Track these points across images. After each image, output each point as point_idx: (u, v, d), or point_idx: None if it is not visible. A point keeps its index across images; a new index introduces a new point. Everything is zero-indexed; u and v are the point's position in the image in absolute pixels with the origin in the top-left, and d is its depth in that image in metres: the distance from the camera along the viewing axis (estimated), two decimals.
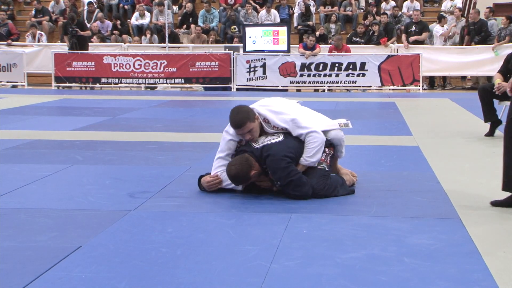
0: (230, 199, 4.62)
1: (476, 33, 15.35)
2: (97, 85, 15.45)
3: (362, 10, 18.21)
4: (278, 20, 17.26)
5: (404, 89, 14.76)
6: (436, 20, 16.33)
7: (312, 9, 18.03)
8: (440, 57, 15.24)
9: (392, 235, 3.73)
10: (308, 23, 17.57)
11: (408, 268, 3.20)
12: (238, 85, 14.95)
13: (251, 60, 14.90)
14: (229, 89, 15.01)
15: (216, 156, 4.82)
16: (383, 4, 17.90)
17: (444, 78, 16.14)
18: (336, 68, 14.72)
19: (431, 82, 16.03)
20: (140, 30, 17.87)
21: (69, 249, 3.47)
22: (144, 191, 4.83)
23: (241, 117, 4.60)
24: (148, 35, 17.07)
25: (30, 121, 9.26)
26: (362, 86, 14.91)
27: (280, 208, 4.35)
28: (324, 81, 14.86)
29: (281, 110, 4.74)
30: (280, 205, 4.41)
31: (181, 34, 17.51)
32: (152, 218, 4.12)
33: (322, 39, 16.21)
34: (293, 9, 18.36)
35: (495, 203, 4.35)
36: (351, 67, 14.67)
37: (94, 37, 16.61)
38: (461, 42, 15.80)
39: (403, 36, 15.80)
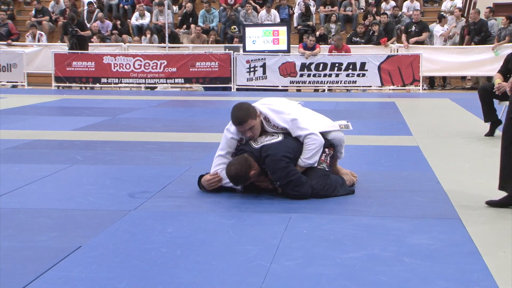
0: (230, 199, 4.62)
1: (476, 33, 15.35)
2: (97, 85, 15.44)
3: (362, 10, 18.21)
4: (278, 20, 17.26)
5: (404, 89, 14.76)
6: (436, 20, 16.32)
7: (312, 9, 18.02)
8: (440, 57, 15.24)
9: (392, 235, 3.73)
10: (308, 23, 17.57)
11: (408, 268, 3.20)
12: (238, 85, 14.95)
13: (251, 60, 14.90)
14: (229, 89, 15.01)
15: (216, 153, 4.83)
16: (383, 4, 17.90)
17: (444, 78, 16.14)
18: (336, 68, 14.71)
19: (431, 82, 16.03)
20: (140, 30, 17.87)
21: (69, 249, 3.47)
22: (144, 191, 4.83)
23: (243, 114, 4.60)
24: (148, 35, 17.07)
25: (30, 121, 9.26)
26: (362, 86, 14.91)
27: (280, 208, 4.35)
28: (324, 81, 14.86)
29: (282, 110, 4.75)
30: (280, 205, 4.41)
31: (181, 34, 17.51)
32: (152, 218, 4.12)
33: (322, 39, 16.21)
34: (293, 9, 18.36)
35: (491, 203, 4.35)
36: (351, 67, 14.67)
37: (94, 37, 16.61)
38: (461, 42, 15.80)
39: (403, 36, 15.80)
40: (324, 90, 15.05)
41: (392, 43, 15.64)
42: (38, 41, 17.14)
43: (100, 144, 7.16)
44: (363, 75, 14.64)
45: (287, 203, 4.46)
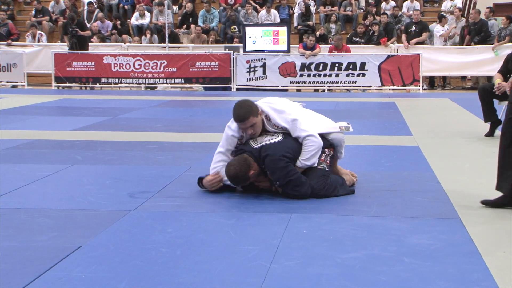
0: (230, 199, 4.62)
1: (476, 33, 15.36)
2: (97, 85, 15.44)
3: (362, 10, 18.21)
4: (278, 20, 17.26)
5: (404, 89, 14.76)
6: (436, 20, 16.32)
7: (312, 9, 18.02)
8: (440, 57, 15.24)
9: (392, 235, 3.73)
10: (308, 23, 17.57)
11: (408, 268, 3.20)
12: (238, 85, 14.95)
13: (251, 60, 14.90)
14: (229, 89, 15.01)
15: (216, 150, 4.84)
16: (383, 4, 17.90)
17: (444, 78, 16.14)
18: (336, 68, 14.71)
19: (431, 82, 16.03)
20: (140, 30, 17.87)
21: (69, 249, 3.47)
22: (144, 191, 4.83)
23: (245, 111, 4.61)
24: (148, 35, 17.07)
25: (30, 121, 9.26)
26: (362, 86, 14.91)
27: (280, 208, 4.35)
28: (324, 81, 14.86)
29: (283, 109, 4.75)
30: (280, 205, 4.41)
31: (181, 34, 17.51)
32: (152, 218, 4.12)
33: (322, 39, 16.21)
34: (293, 9, 18.36)
35: (486, 203, 4.35)
36: (351, 67, 14.67)
37: (94, 37, 16.61)
38: (461, 42, 15.80)
39: (403, 36, 15.80)
40: (324, 90, 15.05)
41: (392, 43, 15.64)
42: (38, 41, 17.14)
43: (100, 144, 7.16)
44: (363, 75, 14.64)
45: (287, 203, 4.46)
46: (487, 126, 7.64)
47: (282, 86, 14.97)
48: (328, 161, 4.74)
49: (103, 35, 17.08)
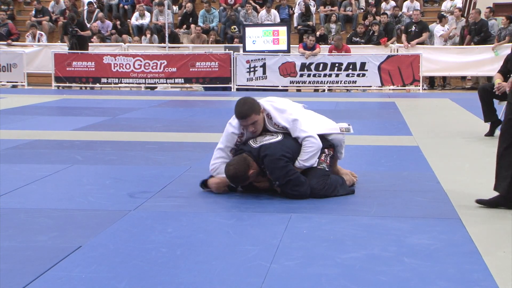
0: (230, 199, 4.62)
1: (476, 33, 15.36)
2: (97, 85, 15.44)
3: (362, 10, 18.21)
4: (278, 20, 17.25)
5: (404, 89, 14.76)
6: (436, 20, 16.32)
7: (312, 9, 18.02)
8: (440, 57, 15.24)
9: (392, 235, 3.73)
10: (308, 23, 17.57)
11: (408, 268, 3.20)
12: (238, 85, 14.95)
13: (251, 60, 14.90)
14: (229, 89, 15.01)
15: (216, 146, 4.84)
16: (383, 4, 17.90)
17: (444, 78, 16.14)
18: (336, 68, 14.71)
19: (431, 82, 16.03)
20: (140, 30, 17.86)
21: (69, 249, 3.47)
22: (144, 191, 4.83)
23: (247, 108, 4.61)
24: (148, 35, 17.06)
25: (30, 121, 9.26)
26: (362, 86, 14.91)
27: (280, 208, 4.35)
28: (324, 81, 14.85)
29: (284, 109, 4.76)
30: (280, 205, 4.41)
31: (181, 34, 17.51)
32: (152, 218, 4.12)
33: (322, 39, 16.20)
34: (293, 9, 18.36)
35: (481, 202, 4.36)
36: (351, 67, 14.67)
37: (94, 37, 16.61)
38: (461, 42, 15.80)
39: (403, 36, 15.80)
40: (324, 90, 15.05)
41: (392, 43, 15.64)
42: (38, 41, 17.14)
43: (100, 144, 7.16)
44: (363, 75, 14.64)
45: (287, 203, 4.46)
46: (487, 126, 7.64)
47: (282, 86, 14.97)
48: (328, 161, 4.75)
49: (103, 35, 17.07)
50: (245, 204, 4.46)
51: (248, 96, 4.82)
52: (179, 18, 18.28)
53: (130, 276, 3.10)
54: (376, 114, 10.82)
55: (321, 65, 14.74)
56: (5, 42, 16.84)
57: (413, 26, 15.74)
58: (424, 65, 14.68)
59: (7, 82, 16.09)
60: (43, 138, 7.50)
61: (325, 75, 14.78)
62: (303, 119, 4.75)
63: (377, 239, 3.67)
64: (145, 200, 4.58)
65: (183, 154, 6.45)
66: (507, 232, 3.80)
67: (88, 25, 16.76)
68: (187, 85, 15.35)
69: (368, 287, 2.97)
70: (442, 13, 16.74)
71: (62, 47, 16.23)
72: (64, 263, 3.27)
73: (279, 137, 4.66)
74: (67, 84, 15.38)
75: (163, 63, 15.11)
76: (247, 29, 15.51)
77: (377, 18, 16.61)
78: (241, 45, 15.49)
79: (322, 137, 4.77)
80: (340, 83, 14.88)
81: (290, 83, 14.97)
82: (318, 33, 16.14)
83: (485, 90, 7.60)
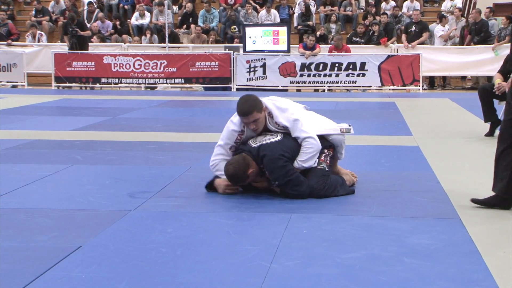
0: (230, 199, 4.62)
1: (476, 33, 15.36)
2: (97, 85, 15.44)
3: (362, 10, 18.21)
4: (278, 20, 17.25)
5: (404, 89, 14.76)
6: (437, 20, 16.32)
7: (312, 9, 18.02)
8: (440, 57, 15.24)
9: (392, 235, 3.73)
10: (308, 23, 17.57)
11: (408, 268, 3.20)
12: (238, 85, 14.95)
13: (251, 60, 14.90)
14: (229, 89, 15.01)
15: (217, 143, 4.85)
16: (383, 4, 17.90)
17: (444, 78, 16.14)
18: (336, 68, 14.71)
19: (431, 82, 16.03)
20: (140, 30, 17.86)
21: (69, 249, 3.47)
22: (144, 191, 4.83)
23: (249, 106, 4.62)
24: (148, 35, 17.06)
25: (30, 121, 9.26)
26: (362, 86, 14.91)
27: (280, 208, 4.35)
28: (324, 81, 14.85)
29: (286, 108, 4.77)
30: (280, 205, 4.41)
31: (181, 34, 17.51)
32: (152, 218, 4.12)
33: (322, 39, 16.20)
34: (293, 9, 18.36)
35: (476, 201, 4.36)
36: (351, 67, 14.67)
37: (94, 37, 16.61)
38: (461, 42, 15.80)
39: (403, 36, 15.80)
40: (324, 90, 15.05)
41: (392, 43, 15.64)
42: (38, 41, 17.14)
43: (100, 144, 7.16)
44: (363, 75, 14.64)
45: (287, 203, 4.46)
46: (487, 126, 7.64)
47: (282, 86, 14.97)
48: (328, 161, 4.75)
49: (103, 35, 17.07)
50: (245, 204, 4.46)
51: (251, 94, 4.83)
52: (179, 18, 18.28)
53: (130, 276, 3.10)
54: (376, 114, 10.82)
55: (321, 65, 14.74)
56: (5, 42, 16.84)
57: (413, 26, 15.74)
58: (424, 65, 14.68)
59: (7, 82, 16.09)
60: (43, 138, 7.50)
61: (325, 75, 14.78)
62: (304, 119, 4.76)
63: (377, 239, 3.67)
64: (145, 200, 4.58)
65: (183, 154, 6.45)
66: (507, 232, 3.80)
67: (88, 25, 16.76)
68: (187, 85, 15.35)
69: (368, 287, 2.97)
70: (442, 13, 16.74)
71: (62, 47, 16.23)
72: (64, 263, 3.27)
73: (279, 137, 4.66)
74: (67, 84, 15.38)
75: (163, 63, 15.11)
76: (247, 29, 15.51)
77: (377, 18, 16.61)
78: (241, 45, 15.49)
79: (322, 137, 4.77)
80: (340, 83, 14.88)
81: (290, 83, 14.97)
82: (318, 33, 16.14)
83: (485, 90, 7.60)
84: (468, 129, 8.15)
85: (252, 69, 14.89)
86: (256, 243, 3.58)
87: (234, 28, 17.43)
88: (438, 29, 15.93)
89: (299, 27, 17.58)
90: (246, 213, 4.25)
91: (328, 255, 3.38)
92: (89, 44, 15.94)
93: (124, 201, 4.56)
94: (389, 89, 14.84)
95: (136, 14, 18.28)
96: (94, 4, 18.69)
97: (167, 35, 16.12)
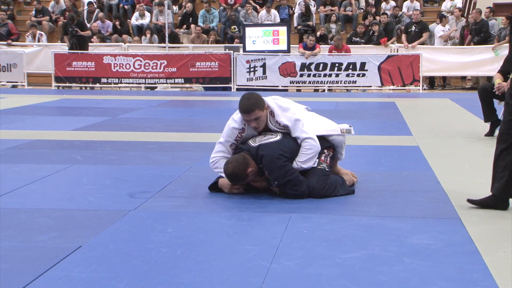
0: (230, 199, 4.62)
1: (476, 33, 15.36)
2: (97, 85, 15.44)
3: (362, 10, 18.21)
4: (278, 20, 17.25)
5: (404, 89, 14.76)
6: (437, 20, 16.32)
7: (312, 9, 18.02)
8: (440, 57, 15.24)
9: (392, 235, 3.73)
10: (308, 23, 17.57)
11: (408, 268, 3.20)
12: (238, 85, 14.94)
13: (251, 60, 14.90)
14: (229, 89, 15.01)
15: (218, 140, 4.86)
16: (383, 4, 17.90)
17: (444, 78, 16.14)
18: (336, 68, 14.71)
19: (431, 82, 16.03)
20: (140, 30, 17.86)
21: (69, 249, 3.47)
22: (144, 191, 4.83)
23: (251, 103, 4.62)
24: (148, 35, 17.06)
25: (30, 121, 9.26)
26: (362, 86, 14.91)
27: (280, 208, 4.35)
28: (324, 81, 14.85)
29: (288, 107, 4.78)
30: (280, 205, 4.41)
31: (181, 34, 17.51)
32: (152, 218, 4.12)
33: (322, 39, 16.21)
34: (293, 9, 18.36)
35: (472, 201, 4.36)
36: (351, 67, 14.67)
37: (94, 37, 16.61)
38: (461, 42, 15.80)
39: (403, 36, 15.80)
40: (324, 90, 15.05)
41: (392, 43, 15.64)
42: (38, 41, 17.14)
43: (100, 144, 7.16)
44: (363, 75, 14.64)
45: (287, 203, 4.46)
46: (487, 126, 7.64)
47: (282, 86, 14.97)
48: (328, 162, 4.75)
49: (103, 35, 17.07)
50: (245, 204, 4.46)
51: (253, 92, 4.84)
52: (179, 18, 18.28)
53: (130, 276, 3.10)
54: (376, 114, 10.82)
55: (321, 65, 14.74)
56: (5, 42, 16.84)
57: (413, 26, 15.74)
58: (424, 65, 14.68)
59: (7, 82, 16.08)
60: (43, 138, 7.50)
61: (325, 75, 14.78)
62: (305, 120, 4.77)
63: (377, 239, 3.67)
64: (145, 200, 4.58)
65: (183, 154, 6.45)
66: (507, 232, 3.80)
67: (88, 25, 16.76)
68: (187, 85, 15.35)
69: (368, 287, 2.97)
70: (442, 13, 16.74)
71: (62, 47, 16.23)
72: (64, 263, 3.27)
73: (278, 137, 4.66)
74: (67, 84, 15.38)
75: (163, 63, 15.11)
76: (247, 29, 15.51)
77: (377, 18, 16.61)
78: (241, 45, 15.49)
79: (323, 137, 4.78)
80: (340, 83, 14.88)
81: (290, 83, 14.96)
82: (318, 33, 16.14)
83: (485, 90, 7.60)
84: (468, 129, 8.15)
85: (252, 69, 14.89)
86: (256, 243, 3.58)
87: (234, 28, 17.43)
88: (438, 29, 15.92)
89: (299, 27, 17.58)
90: (246, 213, 4.25)
91: (328, 255, 3.38)
92: (89, 44, 15.94)
93: (124, 201, 4.56)
94: (389, 89, 14.84)
95: (136, 14, 18.28)
96: (94, 4, 18.69)
97: (167, 35, 16.12)
